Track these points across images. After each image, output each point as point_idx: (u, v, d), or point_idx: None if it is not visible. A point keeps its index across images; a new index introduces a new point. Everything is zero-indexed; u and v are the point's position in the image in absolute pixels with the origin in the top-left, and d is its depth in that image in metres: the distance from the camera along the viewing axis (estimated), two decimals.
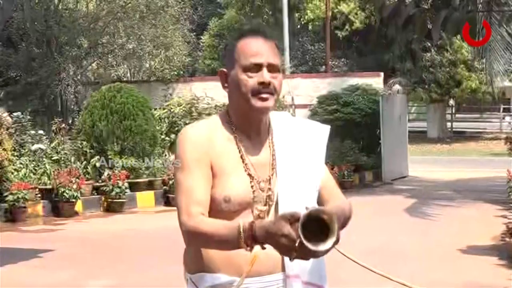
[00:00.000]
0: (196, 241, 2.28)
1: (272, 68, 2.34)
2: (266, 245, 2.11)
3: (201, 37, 29.09)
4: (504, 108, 34.69)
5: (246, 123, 2.40)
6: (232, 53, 2.37)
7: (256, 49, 2.34)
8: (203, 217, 2.26)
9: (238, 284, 2.26)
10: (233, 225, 2.16)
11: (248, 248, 2.13)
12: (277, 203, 2.38)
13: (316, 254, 2.08)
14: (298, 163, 2.43)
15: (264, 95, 2.32)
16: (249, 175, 2.36)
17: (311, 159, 2.47)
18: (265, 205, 2.38)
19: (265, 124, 2.45)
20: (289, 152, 2.43)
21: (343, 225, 2.40)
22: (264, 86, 2.32)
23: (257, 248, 2.15)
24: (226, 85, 2.41)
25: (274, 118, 2.49)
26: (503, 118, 32.76)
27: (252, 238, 2.11)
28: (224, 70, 2.41)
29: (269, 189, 2.39)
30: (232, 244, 2.15)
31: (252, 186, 2.35)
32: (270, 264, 2.29)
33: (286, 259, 2.29)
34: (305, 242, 2.02)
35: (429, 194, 14.19)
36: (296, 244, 2.03)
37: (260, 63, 2.32)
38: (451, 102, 32.36)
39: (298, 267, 2.32)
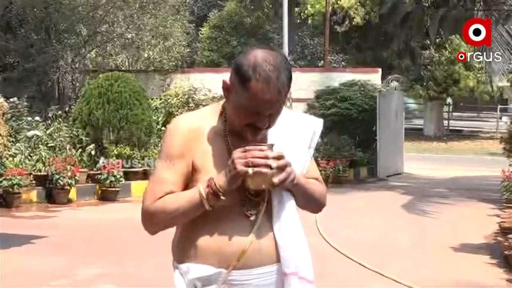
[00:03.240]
0: (158, 219, 2.33)
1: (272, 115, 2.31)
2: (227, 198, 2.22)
3: (201, 28, 29.02)
4: (501, 108, 34.68)
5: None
6: (242, 84, 2.24)
7: (264, 105, 2.24)
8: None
9: (225, 277, 2.26)
10: (192, 189, 2.28)
11: (208, 206, 2.23)
12: (268, 203, 2.34)
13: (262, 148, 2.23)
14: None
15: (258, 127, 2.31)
16: None
17: (300, 157, 2.43)
18: (256, 207, 2.33)
19: None
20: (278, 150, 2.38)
21: (315, 208, 2.48)
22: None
23: (246, 239, 2.15)
24: (226, 94, 2.33)
25: None
26: (500, 118, 32.73)
27: (214, 192, 2.21)
28: (228, 83, 2.32)
29: None
30: (194, 207, 2.25)
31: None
32: (258, 257, 2.28)
33: (282, 257, 2.29)
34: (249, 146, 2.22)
35: (424, 192, 14.19)
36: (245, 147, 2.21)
37: (263, 115, 2.27)
38: (449, 100, 32.34)
39: (293, 265, 2.30)
